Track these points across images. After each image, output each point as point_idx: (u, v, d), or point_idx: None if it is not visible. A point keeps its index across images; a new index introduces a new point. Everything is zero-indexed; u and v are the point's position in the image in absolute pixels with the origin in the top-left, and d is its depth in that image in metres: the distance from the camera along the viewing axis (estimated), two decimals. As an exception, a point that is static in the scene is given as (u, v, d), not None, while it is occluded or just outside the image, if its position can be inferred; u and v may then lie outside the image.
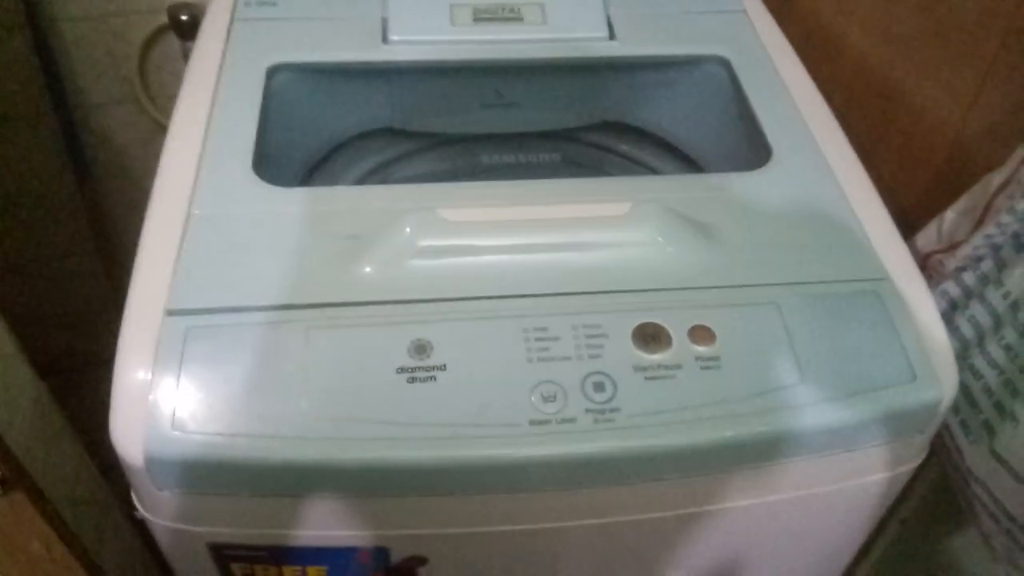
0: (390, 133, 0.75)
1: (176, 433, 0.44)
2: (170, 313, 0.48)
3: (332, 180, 0.73)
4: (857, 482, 0.54)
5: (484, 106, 0.75)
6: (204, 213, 0.53)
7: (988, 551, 0.57)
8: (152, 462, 0.45)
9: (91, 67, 1.06)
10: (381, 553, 0.51)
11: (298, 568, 0.52)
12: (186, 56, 1.03)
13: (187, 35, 1.00)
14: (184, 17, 0.98)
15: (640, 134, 0.78)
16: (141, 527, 0.52)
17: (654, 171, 0.78)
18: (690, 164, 0.75)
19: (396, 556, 0.52)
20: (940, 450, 0.57)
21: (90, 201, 1.16)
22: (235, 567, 0.52)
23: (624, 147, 0.79)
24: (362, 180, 0.74)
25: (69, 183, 1.11)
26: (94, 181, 1.15)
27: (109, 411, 0.45)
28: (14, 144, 1.07)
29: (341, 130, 0.73)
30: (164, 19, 1.02)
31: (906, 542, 0.76)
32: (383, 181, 0.76)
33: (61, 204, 1.14)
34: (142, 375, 0.45)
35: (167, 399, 0.45)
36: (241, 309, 0.48)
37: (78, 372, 1.02)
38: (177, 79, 1.09)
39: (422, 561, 0.52)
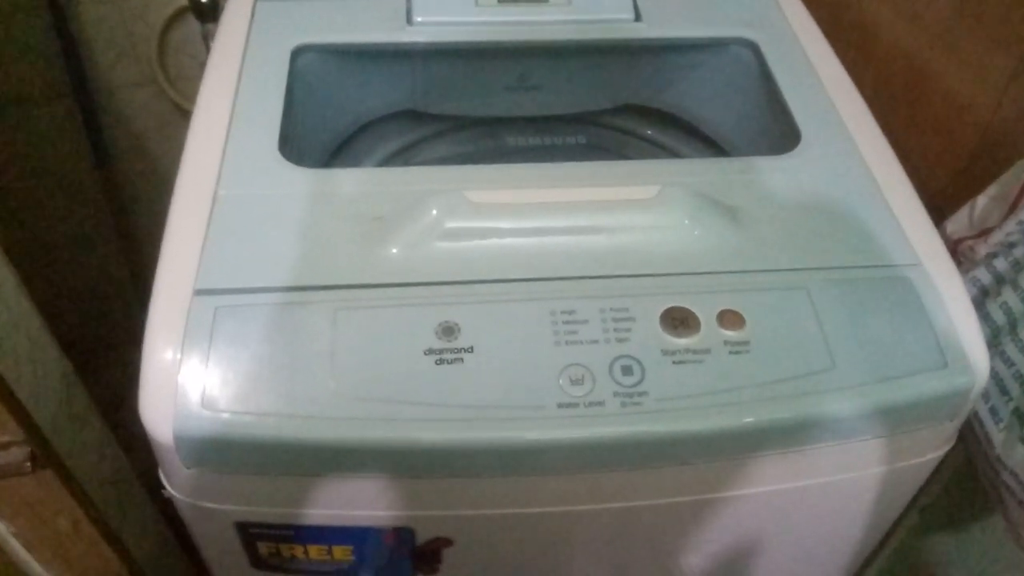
0: (413, 115, 0.75)
1: (205, 411, 0.44)
2: (199, 293, 0.48)
3: (355, 162, 0.72)
4: (885, 469, 0.53)
5: (507, 89, 0.75)
6: (230, 193, 0.53)
7: (1013, 540, 0.57)
8: (181, 440, 0.45)
9: (110, 49, 1.06)
10: (407, 534, 0.52)
11: (324, 547, 0.52)
12: (205, 38, 1.03)
13: (206, 17, 1.00)
14: (204, -1, 0.98)
15: (664, 117, 0.78)
16: (167, 506, 0.52)
17: (678, 155, 0.77)
18: (715, 148, 0.74)
19: (421, 537, 0.52)
20: (969, 438, 0.56)
21: (108, 183, 1.16)
22: (261, 546, 0.52)
23: (648, 131, 0.79)
24: (385, 162, 0.74)
25: (88, 165, 1.12)
26: (112, 163, 1.15)
27: (126, 392, 0.45)
28: (33, 126, 1.07)
29: (365, 112, 0.73)
30: (183, 1, 1.02)
31: (926, 531, 0.76)
32: (405, 163, 0.75)
33: (79, 186, 1.14)
34: (171, 353, 0.45)
35: (197, 377, 0.45)
36: (269, 289, 0.48)
37: (92, 355, 1.03)
38: (196, 62, 1.09)
39: (447, 543, 0.53)
